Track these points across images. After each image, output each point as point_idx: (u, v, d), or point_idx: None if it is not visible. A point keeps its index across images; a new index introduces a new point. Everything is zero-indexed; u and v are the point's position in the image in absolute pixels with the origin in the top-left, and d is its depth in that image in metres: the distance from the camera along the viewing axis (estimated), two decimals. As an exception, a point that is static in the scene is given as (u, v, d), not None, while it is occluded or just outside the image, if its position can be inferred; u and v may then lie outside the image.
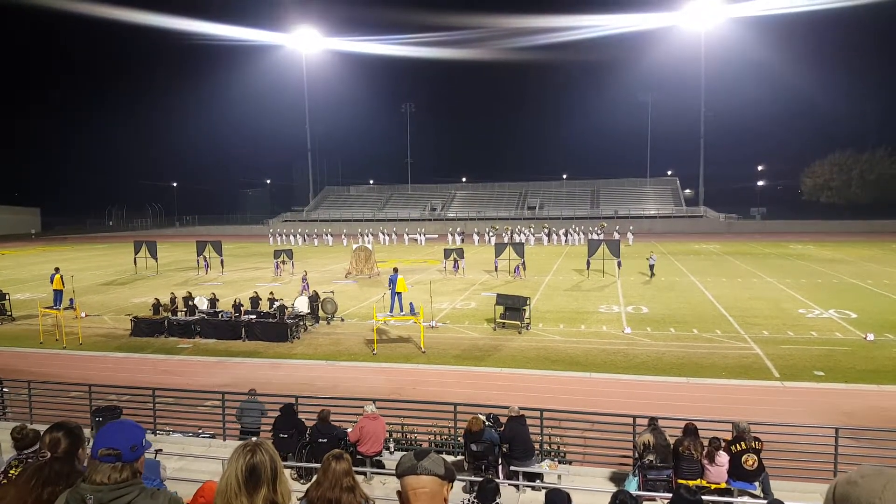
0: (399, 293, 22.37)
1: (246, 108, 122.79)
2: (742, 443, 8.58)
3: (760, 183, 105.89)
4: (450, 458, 10.20)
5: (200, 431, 12.05)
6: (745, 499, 8.52)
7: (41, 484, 2.84)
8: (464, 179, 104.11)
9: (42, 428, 3.55)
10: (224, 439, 11.56)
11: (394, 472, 2.30)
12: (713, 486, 8.54)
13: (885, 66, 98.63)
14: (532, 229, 63.46)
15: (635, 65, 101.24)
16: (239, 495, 2.27)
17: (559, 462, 9.77)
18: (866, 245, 51.27)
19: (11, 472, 3.59)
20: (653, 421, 9.24)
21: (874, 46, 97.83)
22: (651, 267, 33.48)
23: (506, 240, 48.31)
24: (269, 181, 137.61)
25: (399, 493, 2.25)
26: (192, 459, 10.02)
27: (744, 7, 76.28)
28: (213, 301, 22.71)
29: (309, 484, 3.28)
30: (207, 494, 3.82)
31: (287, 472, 2.34)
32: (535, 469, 9.31)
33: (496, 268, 35.26)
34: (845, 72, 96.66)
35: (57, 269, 25.81)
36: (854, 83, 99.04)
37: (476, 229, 64.60)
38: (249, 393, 11.83)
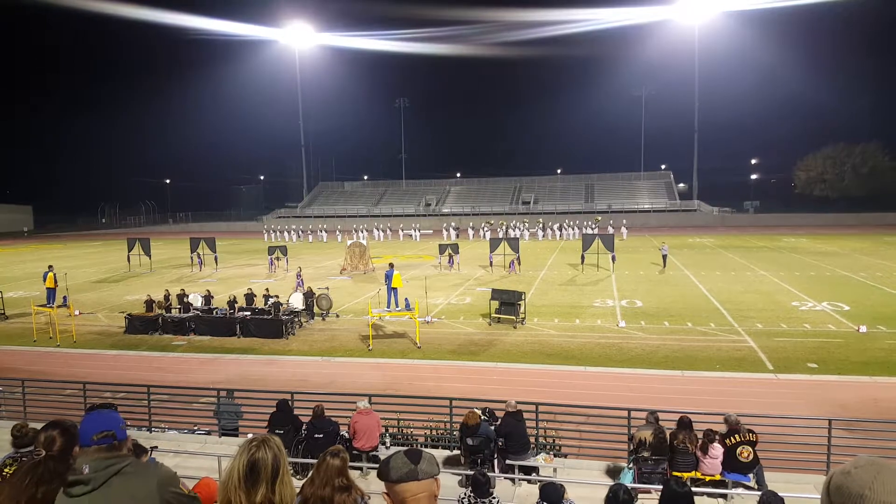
0: (395, 289, 22.39)
1: (239, 104, 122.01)
2: (737, 435, 8.63)
3: (754, 176, 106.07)
4: (446, 453, 10.24)
5: (196, 428, 12.03)
6: (740, 490, 8.58)
7: (35, 482, 2.84)
8: (458, 175, 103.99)
9: (37, 426, 3.54)
10: (220, 436, 11.55)
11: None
12: (707, 478, 8.59)
13: (877, 60, 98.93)
14: (527, 224, 63.52)
15: (629, 59, 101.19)
16: (238, 490, 2.26)
17: (554, 455, 9.78)
18: (859, 238, 51.52)
19: (6, 470, 3.57)
20: (653, 415, 9.23)
21: (867, 40, 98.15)
22: (664, 258, 34.10)
23: (500, 235, 48.34)
24: (262, 178, 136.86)
25: (387, 494, 2.15)
26: (188, 456, 10.00)
27: (737, 1, 76.42)
28: (207, 298, 22.67)
29: (304, 480, 3.27)
30: (203, 491, 3.81)
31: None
32: (530, 462, 9.34)
33: (491, 263, 35.31)
34: (838, 65, 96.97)
35: (50, 267, 25.74)
36: (847, 77, 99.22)
37: (471, 224, 64.58)
38: (228, 394, 11.81)
